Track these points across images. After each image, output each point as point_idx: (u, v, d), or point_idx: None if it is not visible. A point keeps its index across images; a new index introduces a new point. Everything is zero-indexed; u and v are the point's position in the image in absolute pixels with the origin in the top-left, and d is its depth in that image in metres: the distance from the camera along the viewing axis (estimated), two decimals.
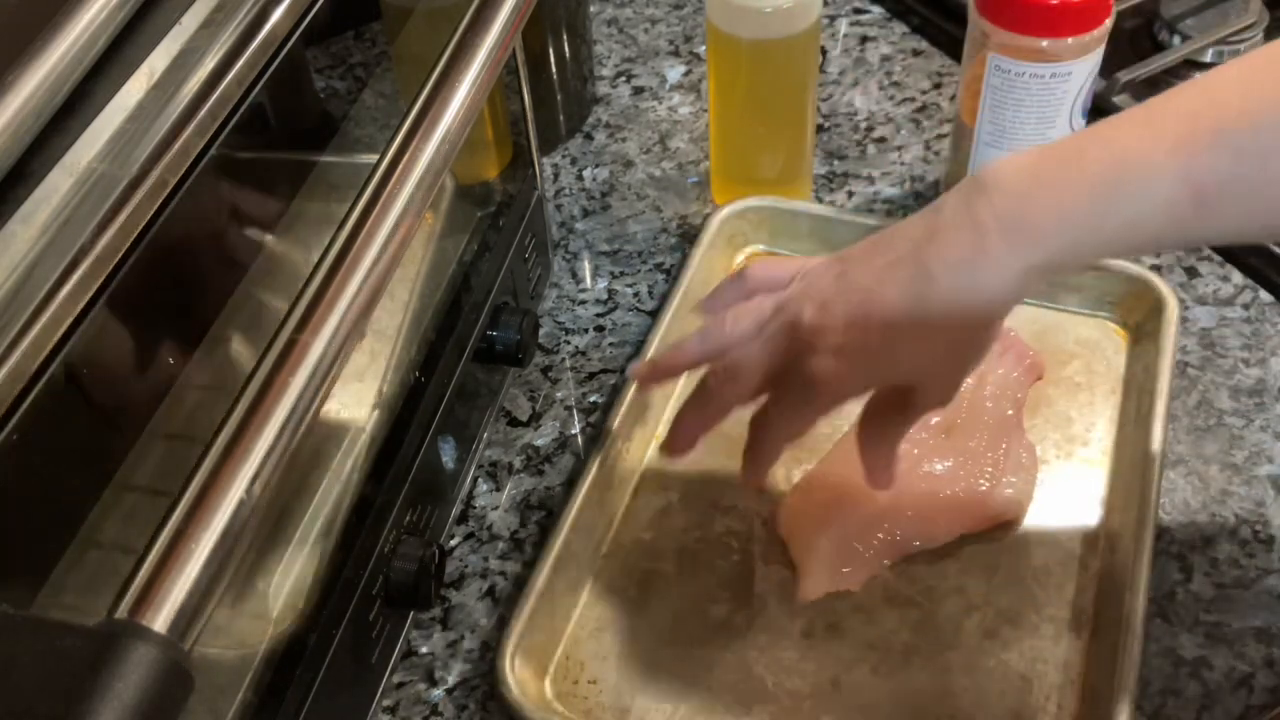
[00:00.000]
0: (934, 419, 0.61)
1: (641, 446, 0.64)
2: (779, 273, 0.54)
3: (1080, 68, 0.64)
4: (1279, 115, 0.42)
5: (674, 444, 0.57)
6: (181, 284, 0.42)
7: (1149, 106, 0.45)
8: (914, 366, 0.50)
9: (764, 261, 0.56)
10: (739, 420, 0.65)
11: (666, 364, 0.58)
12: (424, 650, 0.58)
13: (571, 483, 0.63)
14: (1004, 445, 0.61)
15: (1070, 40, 0.63)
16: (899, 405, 0.53)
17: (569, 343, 0.71)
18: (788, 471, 0.63)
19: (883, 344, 0.49)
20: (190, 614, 0.29)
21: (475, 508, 0.63)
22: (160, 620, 0.28)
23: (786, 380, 0.52)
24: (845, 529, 0.58)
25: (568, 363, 0.70)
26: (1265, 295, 0.69)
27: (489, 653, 0.58)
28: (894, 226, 0.50)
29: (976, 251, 0.46)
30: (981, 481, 0.59)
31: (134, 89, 0.37)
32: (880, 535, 0.58)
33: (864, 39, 0.89)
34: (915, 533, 0.58)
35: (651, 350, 0.65)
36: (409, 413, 0.55)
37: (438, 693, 0.57)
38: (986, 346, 0.51)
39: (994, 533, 0.59)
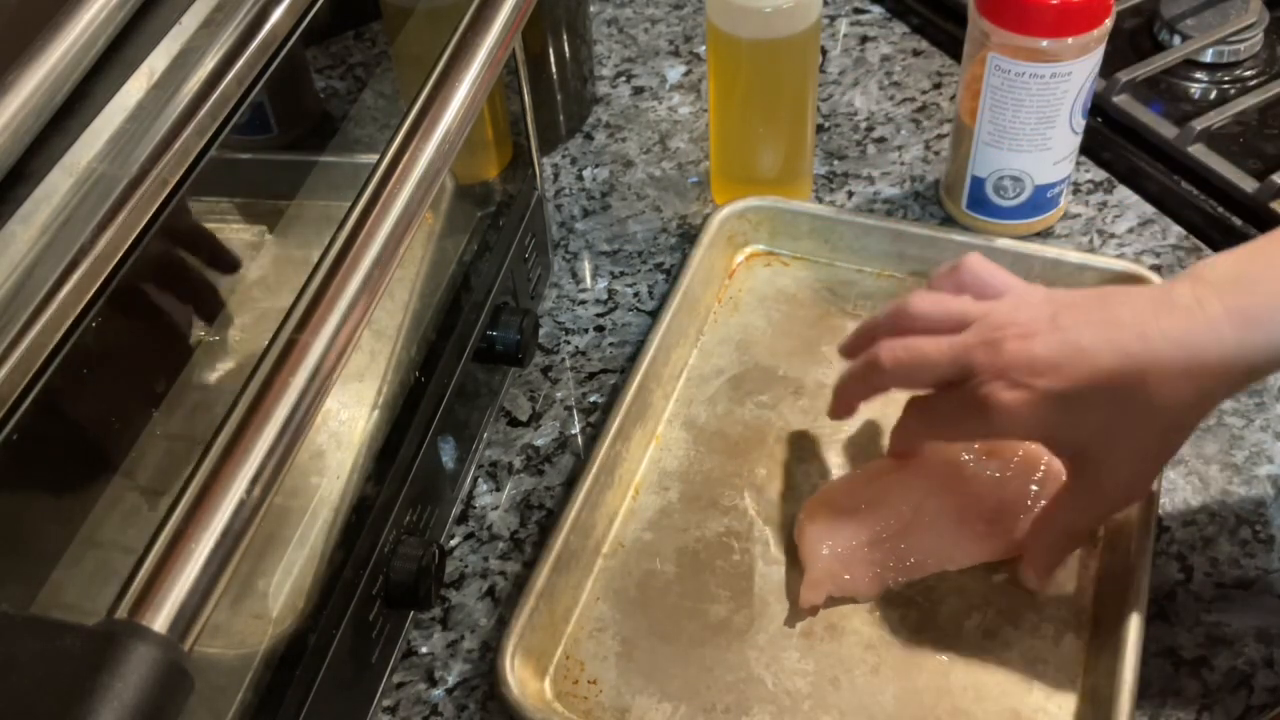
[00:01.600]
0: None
1: (642, 446, 0.64)
2: (996, 281, 0.54)
3: (1080, 68, 0.64)
4: None
5: (837, 410, 0.59)
6: (181, 284, 0.42)
7: None
8: (1100, 432, 0.49)
9: (982, 261, 0.55)
10: (740, 421, 0.65)
11: (864, 331, 0.57)
12: (424, 650, 0.58)
13: (571, 483, 0.63)
14: (1040, 473, 0.58)
15: (1070, 40, 0.63)
16: (1074, 486, 0.53)
17: (569, 343, 0.71)
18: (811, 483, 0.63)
19: (1083, 403, 0.48)
20: (190, 614, 0.29)
21: (475, 508, 0.63)
22: (160, 620, 0.28)
23: (959, 394, 0.51)
24: (859, 539, 0.57)
25: (568, 363, 0.70)
26: None
27: (489, 653, 0.58)
28: (1119, 289, 0.50)
29: (1200, 329, 0.46)
30: (1020, 515, 0.57)
31: (134, 89, 0.37)
32: (898, 551, 0.57)
33: (864, 39, 0.89)
34: (935, 557, 0.57)
35: (652, 349, 0.65)
36: (409, 413, 0.55)
37: (438, 693, 0.57)
38: (1177, 441, 0.50)
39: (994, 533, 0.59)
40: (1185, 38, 0.80)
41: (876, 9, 0.91)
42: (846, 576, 0.57)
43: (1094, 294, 0.51)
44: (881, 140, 0.81)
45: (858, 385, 0.57)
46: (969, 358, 0.50)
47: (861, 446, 0.64)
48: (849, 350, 0.59)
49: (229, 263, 0.44)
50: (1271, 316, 0.46)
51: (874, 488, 0.59)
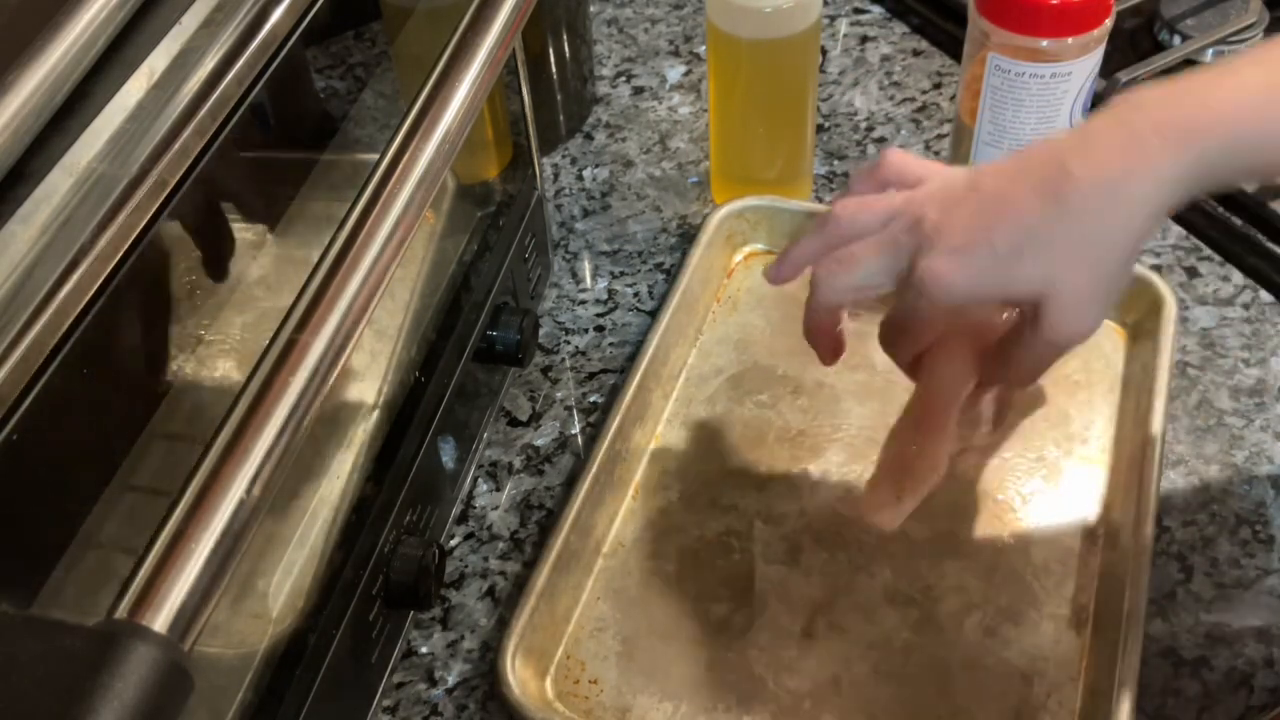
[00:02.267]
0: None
1: (641, 446, 0.64)
2: (915, 169, 0.52)
3: (1080, 68, 0.64)
4: None
5: (776, 274, 0.56)
6: (181, 283, 0.42)
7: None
8: (1040, 275, 0.47)
9: (901, 154, 0.54)
10: (740, 420, 0.65)
11: (793, 257, 0.55)
12: (424, 650, 0.58)
13: (571, 483, 0.63)
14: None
15: (1070, 40, 0.63)
16: (1025, 330, 0.50)
17: (569, 343, 0.71)
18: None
19: (1009, 248, 0.46)
20: (190, 614, 0.29)
21: (475, 508, 0.63)
22: (160, 620, 0.28)
23: (902, 288, 0.50)
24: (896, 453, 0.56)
25: (568, 363, 0.70)
26: (1265, 295, 0.69)
27: (489, 653, 0.58)
28: (1038, 142, 0.48)
29: (1128, 153, 0.45)
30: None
31: (134, 89, 0.37)
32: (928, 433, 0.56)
33: (864, 39, 0.89)
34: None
35: (651, 349, 0.65)
36: (409, 413, 0.55)
37: (438, 693, 0.57)
38: (1126, 268, 0.48)
39: (994, 532, 0.59)
40: (1185, 38, 0.80)
41: (876, 9, 0.91)
42: (908, 484, 0.56)
43: (1023, 148, 0.49)
44: (881, 140, 0.81)
45: (809, 316, 0.55)
46: (897, 243, 0.49)
47: (861, 447, 0.64)
48: (779, 277, 0.56)
49: (229, 262, 0.44)
50: (1206, 126, 0.45)
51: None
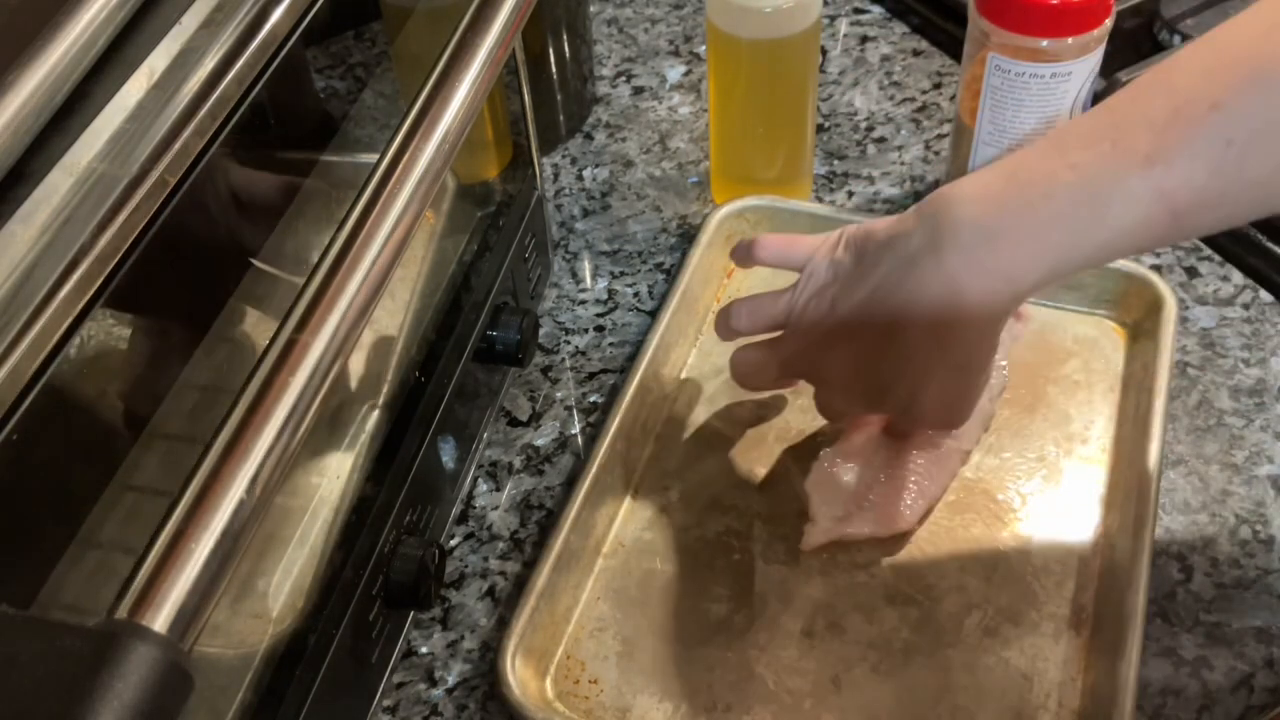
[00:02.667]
0: None
1: (641, 446, 0.64)
2: (793, 257, 0.58)
3: (1080, 68, 0.64)
4: (1251, 102, 0.40)
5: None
6: (181, 283, 0.42)
7: (1111, 111, 0.44)
8: (906, 377, 0.51)
9: (772, 242, 0.60)
10: (740, 420, 0.65)
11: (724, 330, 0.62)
12: (424, 650, 0.58)
13: (571, 483, 0.63)
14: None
15: (1070, 40, 0.63)
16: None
17: (569, 343, 0.71)
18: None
19: (895, 388, 0.51)
20: (190, 614, 0.29)
21: (475, 508, 0.63)
22: (160, 620, 0.28)
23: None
24: (860, 487, 0.59)
25: (568, 363, 0.70)
26: (1265, 295, 0.69)
27: (489, 653, 0.58)
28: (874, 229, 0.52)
29: (953, 297, 0.47)
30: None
31: (134, 89, 0.37)
32: (913, 483, 0.59)
33: (864, 39, 0.89)
34: (930, 482, 0.59)
35: (651, 349, 0.65)
36: (409, 413, 0.55)
37: (438, 693, 0.57)
38: (985, 360, 0.51)
39: (994, 532, 0.59)
40: (1185, 38, 0.80)
41: (876, 9, 0.91)
42: (854, 514, 0.58)
43: (862, 251, 0.52)
44: (881, 140, 0.81)
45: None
46: (793, 368, 0.58)
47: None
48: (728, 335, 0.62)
49: (229, 262, 0.44)
50: (1023, 273, 0.46)
51: (869, 438, 0.61)
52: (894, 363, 0.51)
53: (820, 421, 0.65)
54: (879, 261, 0.50)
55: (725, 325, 0.61)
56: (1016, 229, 0.45)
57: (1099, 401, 0.64)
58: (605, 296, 0.73)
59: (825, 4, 0.91)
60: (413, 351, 0.55)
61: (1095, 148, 0.43)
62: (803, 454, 0.64)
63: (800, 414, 0.65)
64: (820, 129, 0.82)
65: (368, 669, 0.53)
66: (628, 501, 0.62)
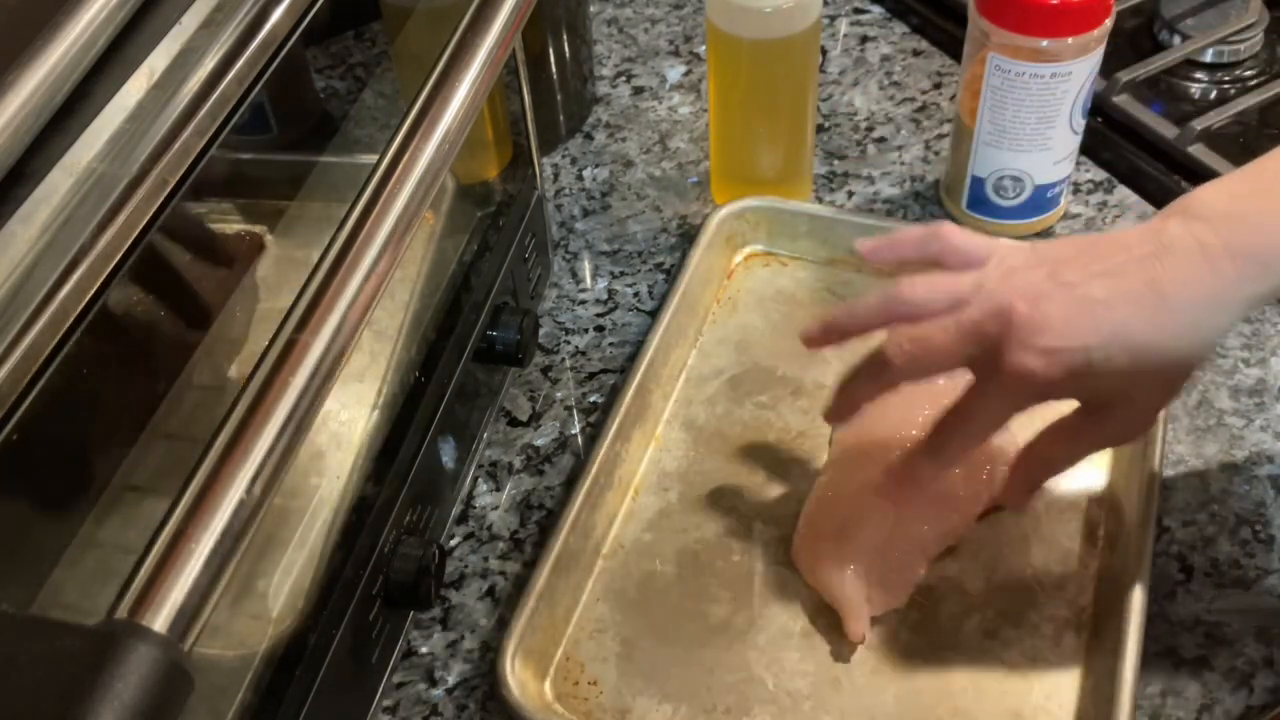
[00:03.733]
0: (925, 410, 0.60)
1: (641, 446, 0.64)
2: (973, 248, 0.52)
3: (1080, 68, 0.64)
4: None
5: (839, 412, 0.55)
6: (181, 282, 0.42)
7: None
8: (1126, 384, 0.49)
9: (952, 228, 0.53)
10: (740, 421, 0.65)
11: (841, 324, 0.55)
12: (424, 650, 0.58)
13: (571, 483, 0.63)
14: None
15: (1070, 40, 0.63)
16: (1081, 427, 0.51)
17: (569, 343, 0.71)
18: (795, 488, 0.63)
19: (1103, 355, 0.47)
20: (190, 614, 0.29)
21: (475, 508, 0.63)
22: (160, 620, 0.28)
23: (984, 385, 0.50)
24: (867, 557, 0.56)
25: (568, 363, 0.70)
26: None
27: (489, 653, 0.58)
28: (1098, 236, 0.49)
29: (1215, 285, 0.46)
30: (988, 466, 0.59)
31: (134, 89, 0.37)
32: (903, 551, 0.57)
33: (864, 39, 0.89)
34: (938, 530, 0.58)
35: (651, 349, 0.65)
36: (409, 413, 0.55)
37: (438, 693, 0.57)
38: (1183, 381, 0.50)
39: (994, 531, 0.59)
40: (1185, 38, 0.80)
41: (876, 9, 0.91)
42: (873, 594, 0.56)
43: (1080, 243, 0.50)
44: (881, 140, 0.81)
45: (866, 385, 0.54)
46: (980, 332, 0.48)
47: None
48: (818, 340, 0.56)
49: (230, 262, 0.44)
50: (1273, 255, 0.46)
51: (848, 501, 0.58)
52: (1136, 343, 0.47)
53: (820, 422, 0.64)
54: (1113, 236, 0.49)
55: (887, 305, 0.52)
56: (1265, 209, 0.46)
57: None
58: (605, 296, 0.73)
59: (825, 4, 0.91)
60: (413, 351, 0.55)
61: None
62: (803, 454, 0.64)
63: (800, 414, 0.65)
64: (820, 129, 0.82)
65: (368, 669, 0.53)
66: (627, 502, 0.62)
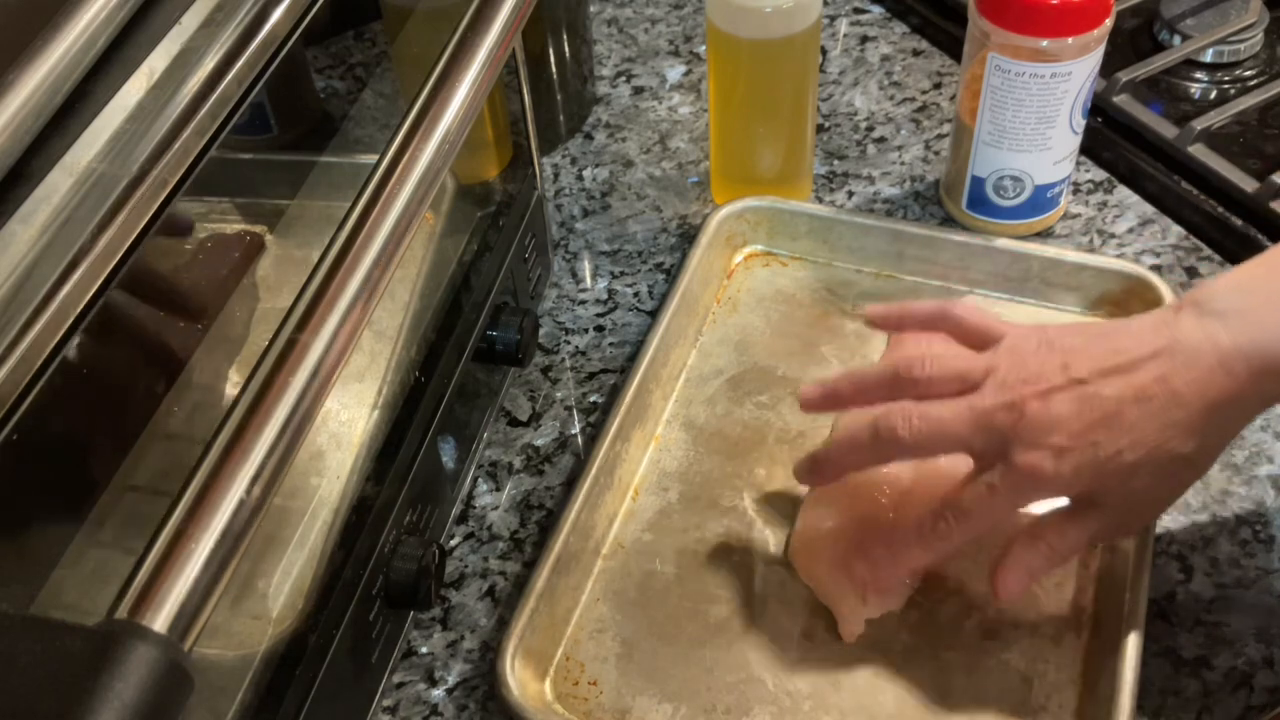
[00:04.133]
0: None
1: (641, 446, 0.64)
2: (985, 330, 0.52)
3: (1080, 68, 0.64)
4: None
5: (819, 475, 0.56)
6: (182, 283, 0.42)
7: None
8: (1133, 488, 0.49)
9: (964, 307, 0.54)
10: (740, 421, 0.65)
11: (843, 393, 0.55)
12: (424, 650, 0.58)
13: (571, 483, 0.63)
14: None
15: (1070, 40, 0.63)
16: (1086, 520, 0.51)
17: (569, 343, 0.71)
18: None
19: (1113, 460, 0.47)
20: (190, 614, 0.29)
21: (475, 508, 0.63)
22: (160, 620, 0.28)
23: (985, 460, 0.50)
24: (864, 559, 0.56)
25: (568, 363, 0.70)
26: None
27: (489, 653, 0.58)
28: (1110, 324, 0.50)
29: (1227, 388, 0.46)
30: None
31: (134, 89, 0.37)
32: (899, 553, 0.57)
33: (864, 39, 0.89)
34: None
35: (651, 349, 0.65)
36: (409, 413, 0.55)
37: (438, 693, 0.57)
38: (1191, 481, 0.51)
39: (994, 531, 0.59)
40: (1185, 38, 0.80)
41: (876, 9, 0.91)
42: (870, 596, 0.56)
43: (1091, 331, 0.50)
44: (881, 140, 0.81)
45: (861, 455, 0.53)
46: (989, 422, 0.48)
47: None
48: (816, 405, 0.56)
49: (229, 263, 0.44)
50: None
51: (847, 502, 0.58)
52: (1149, 448, 0.47)
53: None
54: (1122, 325, 0.49)
55: (894, 378, 0.52)
56: (1274, 307, 0.46)
57: None
58: (605, 296, 0.73)
59: (825, 4, 0.91)
60: (413, 351, 0.55)
61: None
62: (802, 454, 0.63)
63: (799, 415, 0.65)
64: (820, 129, 0.82)
65: (368, 669, 0.53)
66: (627, 502, 0.62)
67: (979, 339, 0.53)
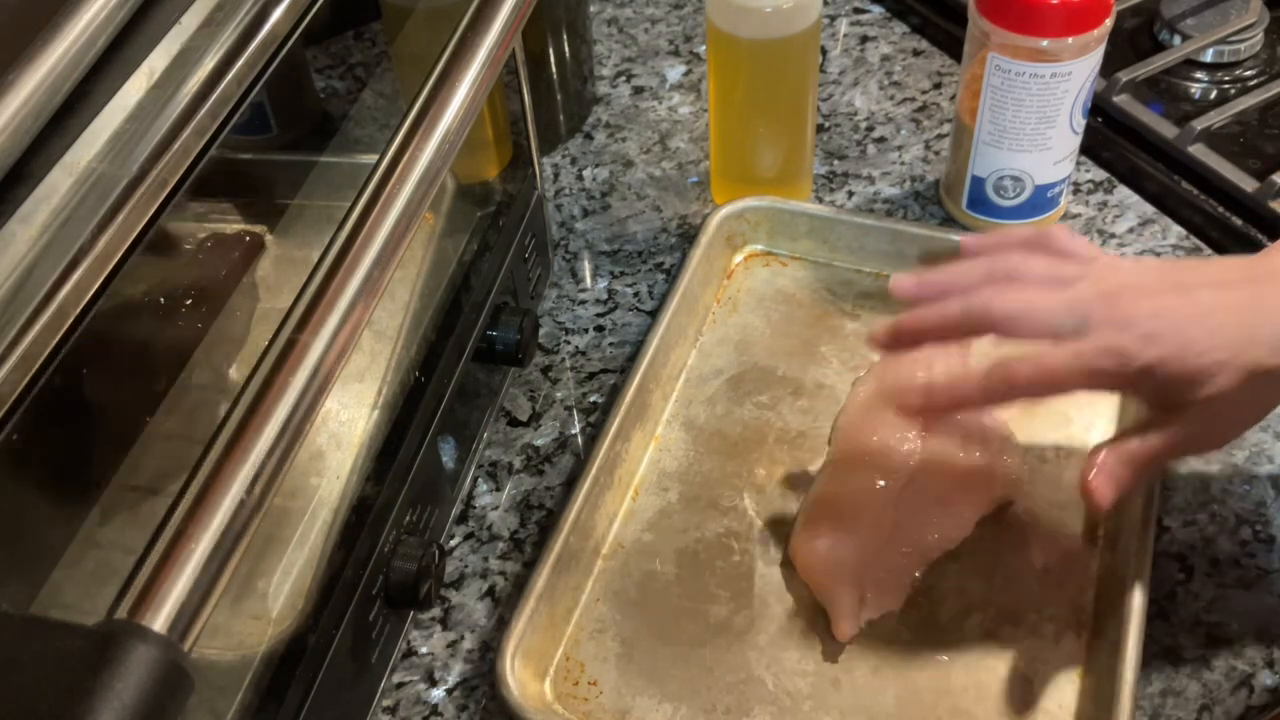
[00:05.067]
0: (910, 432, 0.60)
1: (641, 446, 0.64)
2: (1081, 249, 0.52)
3: (1080, 68, 0.64)
4: None
5: (899, 341, 0.53)
6: (182, 283, 0.42)
7: None
8: (1219, 405, 0.49)
9: (1071, 234, 0.53)
10: (740, 421, 0.65)
11: (936, 280, 0.53)
12: (424, 650, 0.58)
13: (571, 483, 0.63)
14: (976, 420, 0.60)
15: (1070, 40, 0.63)
16: (1153, 424, 0.51)
17: (569, 343, 0.71)
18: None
19: (1197, 357, 0.48)
20: (190, 614, 0.29)
21: (475, 508, 0.63)
22: (160, 620, 0.28)
23: (1077, 347, 0.49)
24: (864, 562, 0.56)
25: (568, 363, 0.70)
26: None
27: (489, 653, 0.58)
28: (1204, 260, 0.52)
29: None
30: (975, 452, 0.59)
31: (134, 89, 0.37)
32: (899, 553, 0.57)
33: (864, 39, 0.89)
34: (936, 537, 0.58)
35: (651, 349, 0.65)
36: (409, 413, 0.55)
37: (438, 693, 0.57)
38: (1276, 400, 0.52)
39: (994, 531, 0.59)
40: (1185, 38, 0.80)
41: (876, 9, 0.91)
42: (870, 596, 0.56)
43: (1184, 260, 0.52)
44: (881, 140, 0.81)
45: (946, 327, 0.52)
46: (1083, 308, 0.49)
47: None
48: (916, 291, 0.53)
49: (229, 263, 0.44)
50: None
51: (846, 500, 0.58)
52: (1219, 374, 0.48)
53: (820, 423, 0.65)
54: (1219, 261, 0.51)
55: (988, 273, 0.52)
56: None
57: (1099, 402, 0.64)
58: (605, 296, 0.73)
59: (825, 4, 0.91)
60: (413, 351, 0.55)
61: None
62: (803, 454, 0.64)
63: (800, 414, 0.65)
64: (820, 129, 0.82)
65: (368, 669, 0.53)
66: (627, 502, 0.62)
67: (1084, 259, 0.52)
